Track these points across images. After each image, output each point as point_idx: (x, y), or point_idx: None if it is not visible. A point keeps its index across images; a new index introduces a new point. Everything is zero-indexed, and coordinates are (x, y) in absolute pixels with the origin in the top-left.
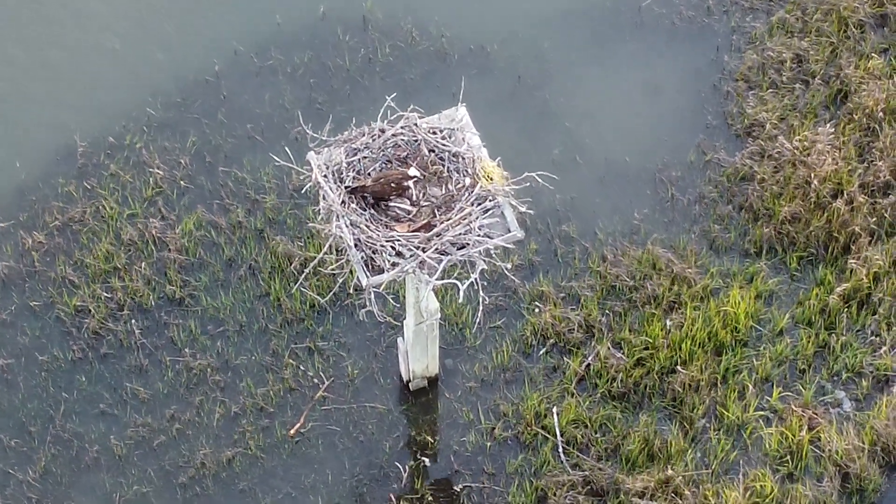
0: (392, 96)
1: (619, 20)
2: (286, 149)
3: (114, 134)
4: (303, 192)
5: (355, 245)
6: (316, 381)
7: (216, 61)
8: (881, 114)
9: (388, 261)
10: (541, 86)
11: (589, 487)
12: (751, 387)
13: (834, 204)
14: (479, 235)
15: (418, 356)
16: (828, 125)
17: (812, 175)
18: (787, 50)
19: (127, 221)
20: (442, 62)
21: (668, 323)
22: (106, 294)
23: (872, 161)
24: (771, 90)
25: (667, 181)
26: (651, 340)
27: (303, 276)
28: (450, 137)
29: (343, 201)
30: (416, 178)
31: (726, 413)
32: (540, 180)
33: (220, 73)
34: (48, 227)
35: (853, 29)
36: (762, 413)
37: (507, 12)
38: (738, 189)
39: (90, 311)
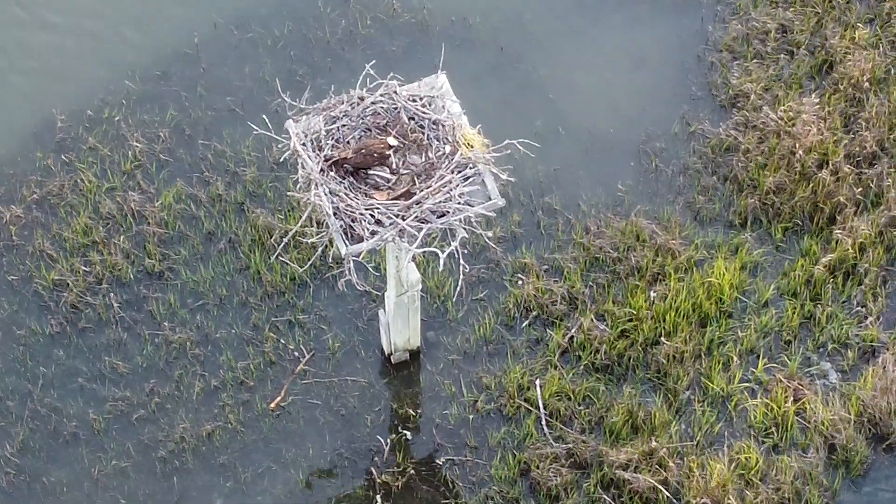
0: (371, 63)
1: None
2: (265, 120)
3: (92, 107)
4: (282, 161)
5: (334, 213)
6: (296, 354)
7: (195, 34)
8: (867, 84)
9: (368, 229)
10: (523, 57)
11: (572, 460)
12: (735, 358)
13: (819, 174)
14: (459, 203)
15: (400, 329)
16: (813, 95)
17: (797, 145)
18: (771, 20)
19: (106, 195)
20: (424, 34)
21: (652, 294)
22: (84, 268)
23: (858, 131)
24: (756, 60)
25: (651, 152)
26: (635, 312)
27: (281, 245)
28: (430, 105)
29: (322, 169)
30: (396, 148)
31: (711, 385)
32: (521, 148)
33: (199, 45)
34: (26, 200)
35: None
36: (747, 384)
37: None
38: (723, 160)
39: (68, 284)
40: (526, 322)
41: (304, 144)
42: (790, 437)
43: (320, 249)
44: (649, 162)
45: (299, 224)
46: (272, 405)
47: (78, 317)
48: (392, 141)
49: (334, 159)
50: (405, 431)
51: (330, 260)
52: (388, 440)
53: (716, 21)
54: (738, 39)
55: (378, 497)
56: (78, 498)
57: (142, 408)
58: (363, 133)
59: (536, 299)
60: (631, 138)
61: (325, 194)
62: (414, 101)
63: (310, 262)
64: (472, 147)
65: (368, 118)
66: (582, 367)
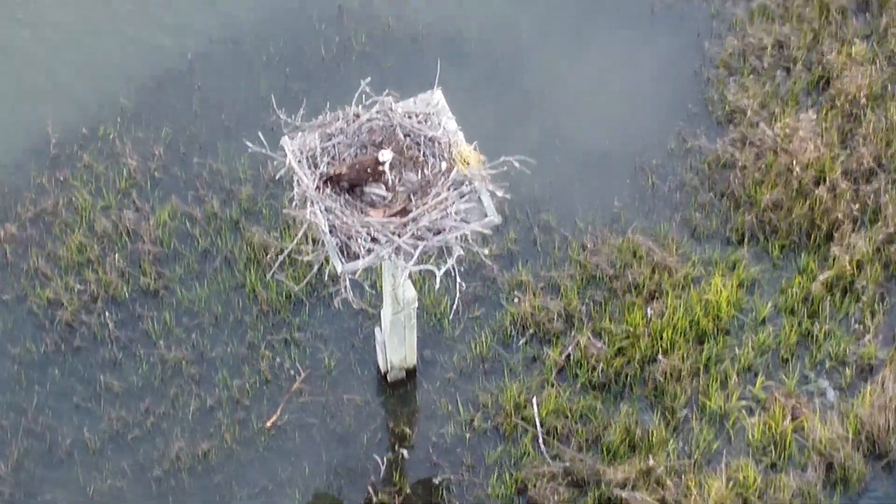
0: (367, 80)
1: (598, 6)
2: (261, 136)
3: (87, 125)
4: (277, 178)
5: (330, 231)
6: (292, 372)
7: (190, 50)
8: (864, 100)
9: (364, 247)
10: (519, 73)
11: (570, 478)
12: (733, 376)
13: (816, 191)
14: (455, 220)
15: (396, 347)
16: (810, 111)
17: (794, 162)
18: (768, 36)
19: (100, 213)
20: (419, 49)
21: (649, 311)
22: (79, 286)
23: (855, 147)
24: (752, 76)
25: (647, 168)
26: (632, 329)
27: (277, 263)
28: (425, 121)
29: (317, 187)
30: (388, 161)
31: (708, 402)
32: (517, 164)
33: (193, 62)
34: (20, 218)
35: (835, 14)
36: (745, 402)
37: None
38: (720, 176)
39: (63, 303)
40: (522, 340)
41: (299, 161)
42: (788, 456)
43: (316, 267)
44: (645, 178)
45: (295, 242)
46: (268, 424)
47: (73, 335)
48: (384, 155)
49: (329, 175)
50: (402, 450)
51: (326, 278)
52: (385, 459)
53: (712, 37)
54: (734, 55)
55: None
56: None
57: (137, 427)
58: (359, 150)
59: (533, 317)
60: (627, 154)
61: (321, 212)
62: (409, 117)
63: (306, 280)
64: (468, 164)
65: (364, 135)
66: (579, 384)
